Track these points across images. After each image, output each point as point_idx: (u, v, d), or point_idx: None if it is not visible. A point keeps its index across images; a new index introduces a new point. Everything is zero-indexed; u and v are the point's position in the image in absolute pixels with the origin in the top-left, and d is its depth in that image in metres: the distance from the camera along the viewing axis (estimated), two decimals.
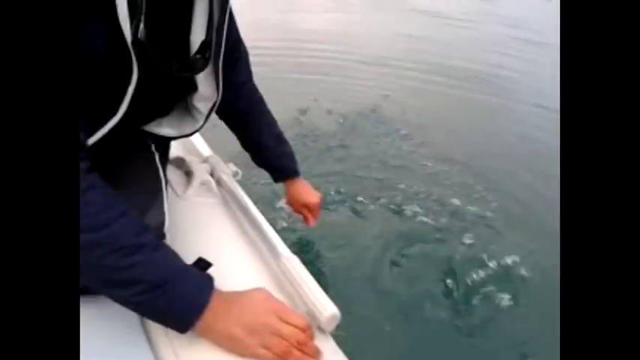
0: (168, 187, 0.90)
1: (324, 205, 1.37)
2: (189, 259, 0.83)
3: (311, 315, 0.74)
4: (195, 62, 0.78)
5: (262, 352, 0.64)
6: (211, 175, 1.11)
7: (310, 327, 0.70)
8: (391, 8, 5.88)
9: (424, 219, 1.74)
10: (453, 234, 1.66)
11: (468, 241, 1.63)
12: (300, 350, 0.65)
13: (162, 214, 0.78)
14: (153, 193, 0.79)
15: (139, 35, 0.65)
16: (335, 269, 1.40)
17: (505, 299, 1.39)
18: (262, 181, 1.73)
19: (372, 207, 1.80)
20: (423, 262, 1.51)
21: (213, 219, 0.99)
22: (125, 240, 0.59)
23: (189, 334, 0.66)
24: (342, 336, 0.75)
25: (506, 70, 3.79)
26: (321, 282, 0.77)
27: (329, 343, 0.73)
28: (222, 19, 0.78)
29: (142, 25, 0.64)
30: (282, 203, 1.53)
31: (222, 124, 1.16)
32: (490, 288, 1.42)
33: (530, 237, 1.67)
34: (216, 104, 0.88)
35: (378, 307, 1.29)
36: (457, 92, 3.24)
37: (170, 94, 0.85)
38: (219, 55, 0.81)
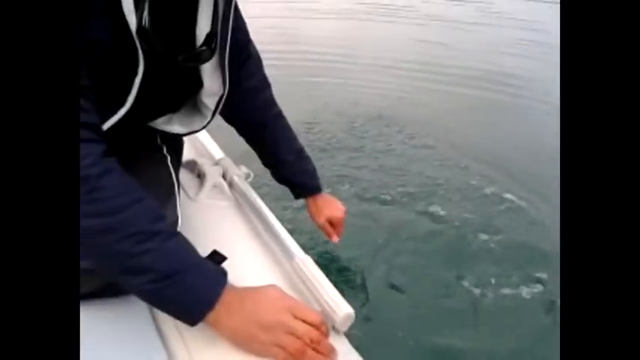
0: (181, 190, 0.91)
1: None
2: (203, 249, 0.84)
3: (325, 315, 0.73)
4: (200, 53, 0.78)
5: (276, 350, 0.64)
6: (223, 177, 1.12)
7: (325, 323, 0.69)
8: (403, 15, 5.87)
9: (442, 216, 1.74)
10: (471, 230, 1.66)
11: (485, 237, 1.62)
12: (314, 348, 0.65)
13: (175, 215, 0.78)
14: (165, 195, 0.80)
15: (143, 24, 0.65)
16: (349, 269, 1.39)
17: (524, 292, 1.38)
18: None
19: (387, 207, 1.79)
20: (438, 260, 1.50)
21: (225, 220, 0.99)
22: (139, 226, 0.58)
23: (204, 330, 0.66)
24: (356, 335, 0.75)
25: (518, 72, 3.76)
26: (337, 284, 0.77)
27: (343, 342, 0.73)
28: (228, 12, 0.78)
29: (145, 14, 0.65)
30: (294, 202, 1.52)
31: (232, 128, 1.15)
32: (508, 282, 1.41)
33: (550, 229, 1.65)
34: (223, 98, 0.87)
35: (392, 305, 1.29)
36: (469, 94, 3.23)
37: (177, 89, 0.86)
38: (225, 49, 0.81)
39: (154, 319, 0.73)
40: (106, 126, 0.70)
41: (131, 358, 0.66)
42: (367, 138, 2.43)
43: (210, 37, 0.78)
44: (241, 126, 1.11)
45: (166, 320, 0.72)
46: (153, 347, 0.68)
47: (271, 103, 1.10)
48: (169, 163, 0.89)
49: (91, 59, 0.62)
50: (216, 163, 1.16)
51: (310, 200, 1.20)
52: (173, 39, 0.75)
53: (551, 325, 1.21)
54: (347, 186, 1.93)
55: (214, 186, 1.08)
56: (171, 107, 0.89)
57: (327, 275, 0.80)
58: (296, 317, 0.65)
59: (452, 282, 1.41)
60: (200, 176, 1.11)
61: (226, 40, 0.80)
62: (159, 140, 0.93)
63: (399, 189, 1.92)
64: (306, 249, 0.88)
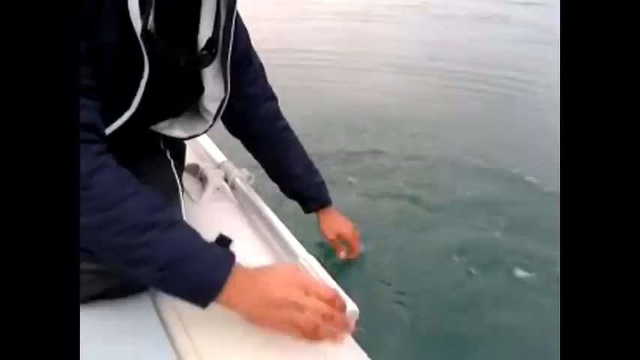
0: (184, 193, 0.92)
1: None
2: None
3: None
4: (202, 57, 0.80)
5: (289, 327, 0.65)
6: (225, 180, 1.13)
7: (338, 298, 0.69)
8: (411, 15, 5.89)
9: (449, 213, 1.75)
10: (475, 223, 1.68)
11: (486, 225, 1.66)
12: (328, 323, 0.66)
13: (180, 216, 0.79)
14: (170, 198, 0.81)
15: (148, 27, 0.67)
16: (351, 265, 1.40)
17: (524, 277, 1.41)
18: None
19: (397, 202, 1.80)
20: (439, 252, 1.51)
21: (229, 223, 1.00)
22: (135, 218, 0.59)
23: (212, 330, 0.69)
24: (360, 332, 0.76)
25: (526, 71, 3.80)
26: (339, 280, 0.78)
27: (347, 338, 0.74)
28: (230, 19, 0.81)
29: (151, 18, 0.67)
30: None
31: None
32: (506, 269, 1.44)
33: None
34: (225, 102, 0.89)
35: (395, 301, 1.29)
36: (478, 93, 3.26)
37: (180, 93, 0.87)
38: (226, 54, 0.83)
39: (162, 320, 0.75)
40: (110, 129, 0.72)
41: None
42: (379, 137, 2.44)
43: (211, 42, 0.80)
44: (247, 138, 1.11)
45: (174, 321, 0.73)
46: (161, 349, 0.69)
47: (277, 115, 1.10)
48: (172, 166, 0.90)
49: (98, 63, 0.64)
50: (218, 166, 1.18)
51: (321, 215, 1.19)
52: (176, 43, 0.77)
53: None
54: (348, 183, 1.95)
55: (217, 189, 1.09)
56: (174, 112, 0.91)
57: (330, 272, 0.81)
58: (308, 294, 0.65)
59: (455, 274, 1.42)
60: (202, 179, 1.12)
61: (228, 45, 0.82)
62: (162, 144, 0.94)
63: (400, 184, 1.94)
64: (308, 247, 0.89)
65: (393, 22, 5.63)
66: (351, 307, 0.73)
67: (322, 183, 1.17)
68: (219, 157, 1.25)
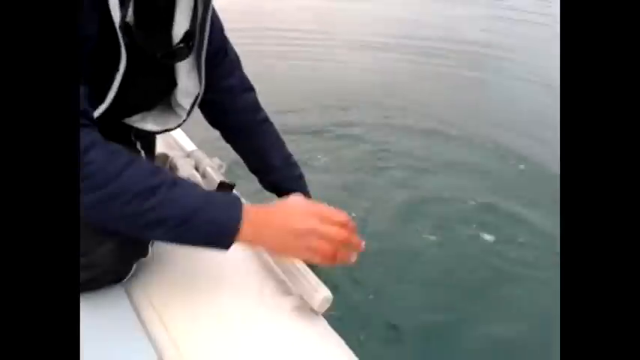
0: None
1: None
2: (180, 254, 0.85)
3: (303, 298, 0.77)
4: (178, 50, 0.80)
5: (310, 254, 0.70)
6: (196, 169, 1.12)
7: (350, 220, 0.72)
8: None
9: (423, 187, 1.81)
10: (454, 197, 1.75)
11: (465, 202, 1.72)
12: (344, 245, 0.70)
13: None
14: None
15: (127, 20, 0.67)
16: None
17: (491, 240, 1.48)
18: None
19: (374, 180, 1.84)
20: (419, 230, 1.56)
21: None
22: (138, 186, 0.61)
23: (192, 326, 0.71)
24: (334, 316, 0.79)
25: (492, 48, 3.88)
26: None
27: (322, 324, 0.76)
28: (205, 14, 0.81)
29: (130, 11, 0.67)
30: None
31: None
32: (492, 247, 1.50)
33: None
34: (198, 98, 0.89)
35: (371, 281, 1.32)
36: (444, 69, 3.33)
37: (154, 87, 0.87)
38: (201, 48, 0.83)
39: (140, 318, 0.75)
40: None
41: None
42: (348, 117, 2.46)
43: (188, 35, 0.80)
44: (226, 130, 1.10)
45: (153, 320, 0.74)
46: (141, 348, 0.70)
47: (255, 106, 1.09)
48: (143, 158, 0.89)
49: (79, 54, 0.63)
50: (188, 155, 1.17)
51: None
52: (153, 36, 0.77)
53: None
54: (322, 162, 1.97)
55: (187, 178, 1.09)
56: (147, 105, 0.90)
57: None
58: (324, 221, 0.69)
59: (431, 252, 1.46)
60: (172, 169, 1.11)
61: (203, 39, 0.82)
62: (132, 136, 0.93)
63: (380, 163, 1.98)
64: None
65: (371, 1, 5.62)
66: (324, 292, 0.75)
67: (301, 175, 1.17)
68: (189, 145, 1.24)
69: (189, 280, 0.83)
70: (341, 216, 0.71)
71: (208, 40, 0.83)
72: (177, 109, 0.91)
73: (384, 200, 1.70)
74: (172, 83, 0.87)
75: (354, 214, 1.49)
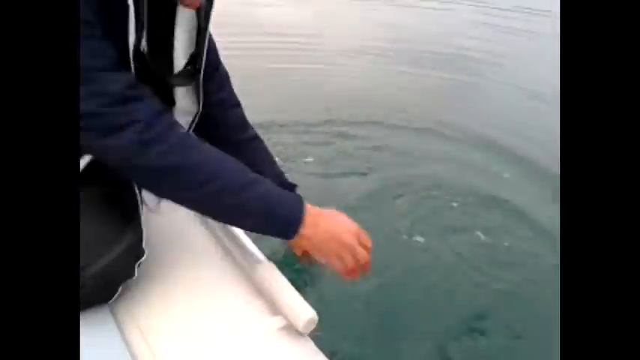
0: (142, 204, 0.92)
1: None
2: (166, 274, 0.86)
3: (289, 320, 0.78)
4: (186, 73, 0.85)
5: (338, 263, 0.83)
6: None
7: (370, 244, 0.86)
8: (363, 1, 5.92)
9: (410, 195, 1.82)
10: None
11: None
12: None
13: (140, 230, 0.79)
14: (129, 209, 0.81)
15: (141, 49, 0.73)
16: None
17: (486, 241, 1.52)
18: None
19: (365, 181, 1.86)
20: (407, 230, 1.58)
21: (188, 231, 1.01)
22: (237, 183, 0.76)
23: (173, 339, 0.74)
24: (319, 336, 0.80)
25: (481, 53, 3.95)
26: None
27: (309, 345, 0.77)
28: (204, 34, 0.85)
29: (144, 40, 0.74)
30: None
31: None
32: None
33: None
34: (197, 117, 0.91)
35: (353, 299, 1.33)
36: (433, 75, 3.37)
37: None
38: (200, 69, 0.86)
39: (125, 339, 0.75)
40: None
41: None
42: (340, 124, 2.48)
43: (194, 57, 0.84)
44: (217, 144, 1.09)
45: (138, 341, 0.74)
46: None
47: (244, 122, 1.10)
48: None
49: None
50: None
51: None
52: (162, 61, 0.82)
53: None
54: (311, 163, 1.98)
55: None
56: None
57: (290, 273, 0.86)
58: (359, 242, 0.83)
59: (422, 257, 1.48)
60: None
61: (202, 60, 0.85)
62: None
63: (371, 164, 2.01)
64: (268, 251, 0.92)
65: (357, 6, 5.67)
66: (309, 314, 0.76)
67: (295, 185, 1.17)
68: None
69: (175, 301, 0.83)
70: (370, 243, 0.85)
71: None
72: None
73: (374, 201, 1.71)
74: (171, 102, 0.88)
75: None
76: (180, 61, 0.84)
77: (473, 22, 5.03)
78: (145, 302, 0.82)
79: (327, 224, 0.82)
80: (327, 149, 2.14)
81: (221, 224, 1.00)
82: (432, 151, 2.18)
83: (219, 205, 0.77)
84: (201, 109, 0.91)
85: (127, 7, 0.68)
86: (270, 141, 1.93)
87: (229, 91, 1.08)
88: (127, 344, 0.74)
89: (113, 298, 0.79)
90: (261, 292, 0.86)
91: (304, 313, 0.76)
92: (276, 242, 1.39)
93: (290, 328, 0.78)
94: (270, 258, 0.91)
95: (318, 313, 0.77)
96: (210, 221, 1.03)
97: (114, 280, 0.77)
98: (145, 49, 0.75)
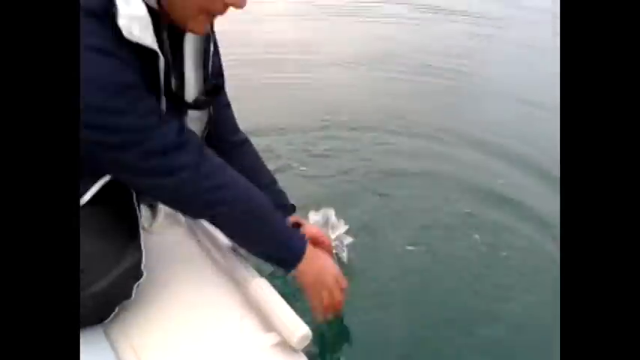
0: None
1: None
2: (164, 289, 0.89)
3: (283, 336, 0.79)
4: (212, 91, 0.93)
5: (319, 303, 0.95)
6: None
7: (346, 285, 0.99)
8: (362, 15, 6.01)
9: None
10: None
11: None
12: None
13: (140, 252, 0.80)
14: (130, 230, 0.82)
15: (173, 88, 0.81)
16: None
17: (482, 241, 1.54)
18: None
19: (359, 190, 1.86)
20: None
21: (182, 250, 1.02)
22: (264, 209, 0.89)
23: (159, 350, 0.78)
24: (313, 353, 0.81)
25: (477, 63, 4.02)
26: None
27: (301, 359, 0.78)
28: (208, 55, 0.92)
29: (173, 79, 0.81)
30: None
31: None
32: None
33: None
34: (207, 127, 0.96)
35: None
36: (431, 83, 3.40)
37: None
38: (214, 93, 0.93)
39: (115, 350, 0.76)
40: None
41: None
42: (341, 133, 2.46)
43: (215, 75, 0.95)
44: (210, 144, 1.06)
45: (127, 350, 0.75)
46: None
47: (235, 124, 1.14)
48: (134, 198, 0.90)
49: None
50: None
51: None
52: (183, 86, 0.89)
53: None
54: (306, 171, 1.99)
55: (167, 215, 1.10)
56: None
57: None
58: (337, 284, 0.96)
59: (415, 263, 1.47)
60: (153, 206, 1.12)
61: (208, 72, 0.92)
62: None
63: (364, 173, 2.01)
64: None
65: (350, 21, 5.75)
66: (303, 330, 0.77)
67: (284, 191, 1.20)
68: None
69: (168, 319, 0.84)
70: (346, 284, 0.98)
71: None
72: None
73: (367, 211, 1.71)
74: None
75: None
76: (191, 84, 0.88)
77: (468, 34, 5.12)
78: (139, 321, 0.83)
79: (317, 265, 0.94)
80: (324, 155, 2.16)
81: (214, 242, 1.01)
82: (431, 155, 2.20)
83: (245, 229, 0.89)
84: (209, 119, 0.96)
85: (155, 53, 0.74)
86: (266, 147, 1.97)
87: (224, 95, 1.11)
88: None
89: (109, 318, 0.79)
90: (254, 308, 0.87)
91: (298, 329, 0.77)
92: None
93: (284, 345, 0.79)
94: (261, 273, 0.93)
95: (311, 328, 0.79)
96: (203, 238, 1.04)
97: (113, 300, 0.78)
98: (174, 85, 0.81)
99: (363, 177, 1.98)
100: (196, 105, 0.90)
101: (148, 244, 0.96)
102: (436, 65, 3.84)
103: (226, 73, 1.09)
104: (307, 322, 0.80)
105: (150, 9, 0.71)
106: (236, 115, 1.17)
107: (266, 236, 0.90)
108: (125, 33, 0.68)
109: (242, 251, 0.98)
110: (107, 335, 0.80)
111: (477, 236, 1.60)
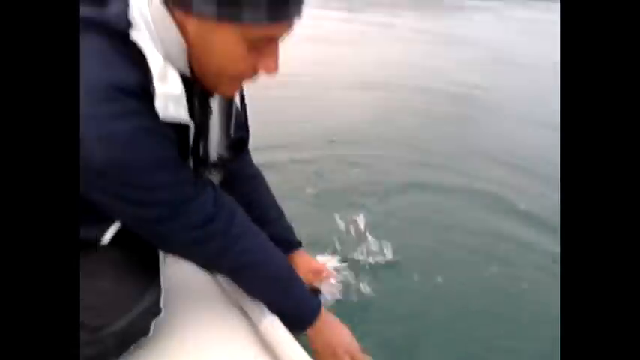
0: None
1: None
2: (177, 323, 0.92)
3: None
4: (237, 144, 0.97)
5: None
6: None
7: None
8: (378, 38, 6.07)
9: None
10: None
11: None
12: None
13: (160, 289, 0.83)
14: (150, 268, 0.85)
15: (201, 155, 0.84)
16: None
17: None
18: None
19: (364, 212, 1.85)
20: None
21: (195, 284, 1.04)
22: (283, 272, 0.94)
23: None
24: None
25: (484, 89, 4.10)
26: None
27: None
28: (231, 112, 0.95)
29: (202, 147, 0.84)
30: None
31: None
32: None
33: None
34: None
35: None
36: (441, 109, 3.47)
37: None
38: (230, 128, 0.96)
39: None
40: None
41: None
42: (353, 154, 2.50)
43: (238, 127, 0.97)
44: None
45: None
46: None
47: (250, 160, 1.16)
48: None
49: None
50: None
51: (295, 256, 1.21)
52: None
53: None
54: (310, 194, 2.01)
55: None
56: None
57: None
58: (347, 352, 0.96)
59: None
60: None
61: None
62: None
63: (371, 194, 2.04)
64: None
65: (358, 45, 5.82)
66: None
67: (291, 226, 1.22)
68: None
69: (183, 356, 0.86)
70: (358, 351, 0.98)
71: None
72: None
73: (373, 234, 1.69)
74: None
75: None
76: (215, 141, 0.90)
77: (476, 60, 5.21)
78: (152, 357, 0.85)
79: (329, 333, 0.97)
80: (330, 178, 2.19)
81: (227, 278, 1.03)
82: (445, 179, 2.23)
83: (262, 289, 0.93)
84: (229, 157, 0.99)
85: (186, 127, 0.76)
86: (274, 170, 2.02)
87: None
88: None
89: (125, 352, 0.81)
90: (265, 346, 0.90)
91: None
92: None
93: None
94: None
95: None
96: (217, 275, 1.06)
97: (131, 338, 0.81)
98: (202, 153, 0.84)
99: (372, 199, 2.00)
100: (221, 164, 0.93)
101: (165, 273, 0.99)
102: (450, 90, 3.92)
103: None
104: None
105: (183, 76, 0.72)
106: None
107: (281, 297, 0.93)
108: (161, 115, 0.68)
109: None
110: None
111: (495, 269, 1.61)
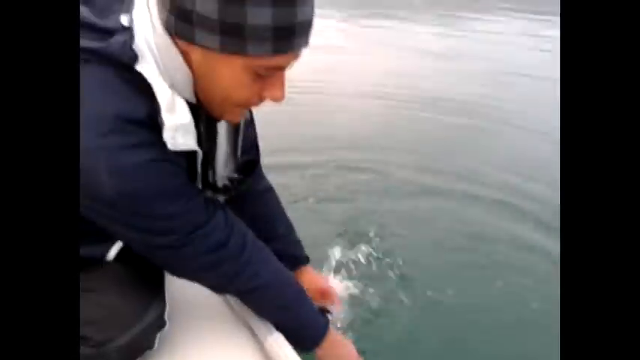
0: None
1: None
2: (182, 338, 0.93)
3: None
4: (245, 168, 0.96)
5: None
6: None
7: None
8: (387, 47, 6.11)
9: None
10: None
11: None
12: None
13: (164, 303, 0.85)
14: (155, 283, 0.87)
15: (211, 180, 0.84)
16: None
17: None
18: None
19: (366, 222, 1.85)
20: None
21: (201, 299, 1.04)
22: (290, 295, 0.94)
23: None
24: None
25: (487, 100, 4.07)
26: None
27: None
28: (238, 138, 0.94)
29: (210, 174, 0.84)
30: None
31: None
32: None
33: None
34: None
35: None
36: (446, 120, 3.43)
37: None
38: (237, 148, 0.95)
39: None
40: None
41: None
42: (355, 162, 2.50)
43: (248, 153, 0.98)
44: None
45: None
46: None
47: (262, 174, 1.16)
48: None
49: None
50: None
51: (302, 272, 1.20)
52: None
53: None
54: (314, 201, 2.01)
55: None
56: None
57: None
58: None
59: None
60: None
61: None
62: None
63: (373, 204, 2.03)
64: None
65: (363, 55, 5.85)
66: None
67: (300, 241, 1.22)
68: None
69: None
70: None
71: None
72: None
73: (376, 245, 1.70)
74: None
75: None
76: (222, 165, 0.89)
77: (482, 72, 5.18)
78: None
79: (336, 353, 0.98)
80: (334, 188, 2.19)
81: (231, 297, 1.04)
82: (450, 194, 2.20)
83: (270, 310, 0.94)
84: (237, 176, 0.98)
85: (195, 152, 0.75)
86: (279, 181, 2.02)
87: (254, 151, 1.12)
88: None
89: None
90: None
91: None
92: None
93: None
94: None
95: None
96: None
97: (136, 352, 0.82)
98: (210, 174, 0.84)
99: (374, 214, 1.98)
100: (231, 187, 0.91)
101: (170, 287, 1.00)
102: (454, 99, 3.89)
103: None
104: None
105: (188, 103, 0.72)
106: None
107: (289, 318, 0.93)
108: (170, 146, 0.68)
109: None
110: None
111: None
